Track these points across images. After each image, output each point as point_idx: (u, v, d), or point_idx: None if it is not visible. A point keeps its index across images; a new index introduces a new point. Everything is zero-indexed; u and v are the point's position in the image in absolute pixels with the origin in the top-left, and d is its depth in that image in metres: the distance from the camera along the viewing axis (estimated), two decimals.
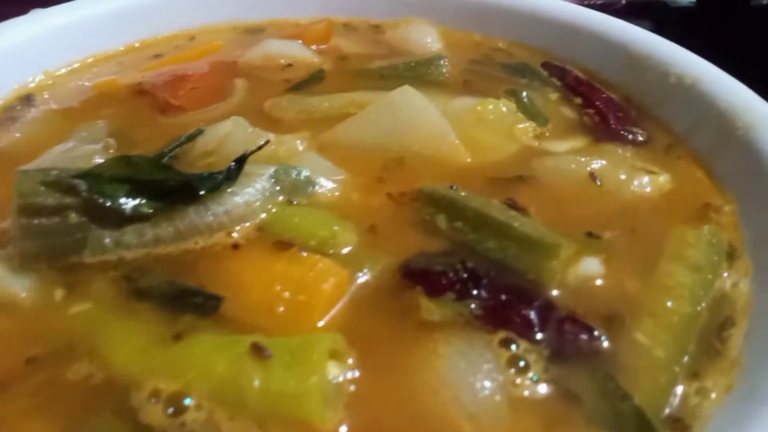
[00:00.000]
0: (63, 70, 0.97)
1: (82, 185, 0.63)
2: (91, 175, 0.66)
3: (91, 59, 1.00)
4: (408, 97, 0.82)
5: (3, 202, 0.71)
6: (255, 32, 1.12)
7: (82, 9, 1.01)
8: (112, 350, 0.56)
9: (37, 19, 0.96)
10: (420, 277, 0.62)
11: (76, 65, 0.98)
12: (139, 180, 0.67)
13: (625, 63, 0.94)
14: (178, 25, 1.08)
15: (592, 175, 0.76)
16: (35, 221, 0.61)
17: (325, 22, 1.09)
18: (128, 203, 0.65)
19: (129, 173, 0.67)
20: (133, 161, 0.67)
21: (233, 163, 0.70)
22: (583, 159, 0.79)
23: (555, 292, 0.61)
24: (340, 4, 1.14)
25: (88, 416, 0.52)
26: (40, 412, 0.52)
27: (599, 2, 2.05)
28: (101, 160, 0.77)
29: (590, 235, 0.69)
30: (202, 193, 0.66)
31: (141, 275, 0.63)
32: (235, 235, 0.67)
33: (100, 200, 0.64)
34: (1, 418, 0.52)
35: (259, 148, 0.71)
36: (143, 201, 0.66)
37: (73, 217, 0.63)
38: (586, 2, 2.04)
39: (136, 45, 1.05)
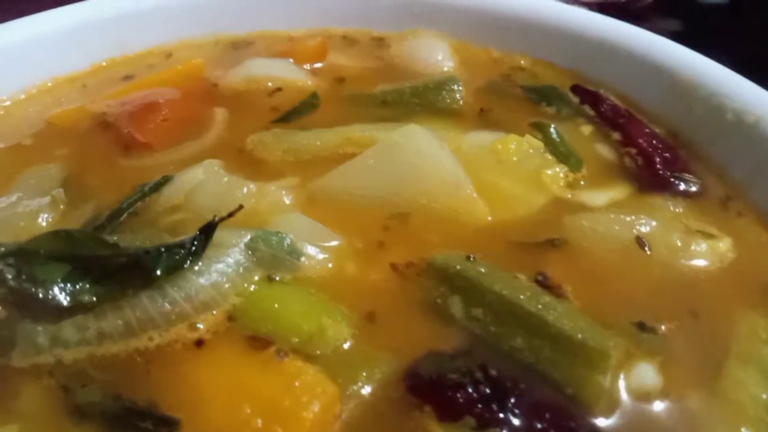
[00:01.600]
0: (18, 97, 0.84)
1: (8, 271, 0.51)
2: (22, 254, 0.53)
3: (50, 83, 0.87)
4: (414, 138, 0.68)
5: None
6: (241, 47, 0.98)
7: (41, 23, 0.87)
8: None
9: None
10: (429, 392, 0.49)
11: (33, 91, 0.85)
12: (80, 258, 0.54)
13: (670, 91, 0.79)
14: (154, 40, 0.94)
15: (640, 241, 0.63)
16: None
17: (320, 38, 0.95)
18: (67, 290, 0.52)
19: (68, 250, 0.54)
20: (72, 236, 0.54)
21: (198, 233, 0.57)
22: (628, 218, 0.65)
23: (601, 421, 0.48)
24: (339, 14, 1.00)
25: None
26: None
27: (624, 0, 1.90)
28: (47, 218, 0.66)
29: (642, 327, 0.55)
30: (158, 273, 0.54)
31: (80, 386, 0.50)
32: (200, 326, 0.54)
33: (32, 288, 0.51)
34: None
35: (231, 214, 0.57)
36: (85, 286, 0.53)
37: None
38: None
39: (104, 64, 0.91)
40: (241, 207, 0.58)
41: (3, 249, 0.53)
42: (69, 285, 0.52)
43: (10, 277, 0.50)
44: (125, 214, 0.66)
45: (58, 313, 0.52)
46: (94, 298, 0.52)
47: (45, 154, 0.75)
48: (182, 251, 0.55)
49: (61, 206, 0.67)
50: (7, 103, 0.83)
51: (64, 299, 0.51)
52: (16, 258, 0.53)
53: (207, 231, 0.57)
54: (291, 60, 0.91)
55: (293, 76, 0.88)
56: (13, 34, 0.85)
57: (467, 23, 0.95)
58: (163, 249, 0.54)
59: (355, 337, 0.53)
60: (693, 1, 1.91)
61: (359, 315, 0.55)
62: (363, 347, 0.53)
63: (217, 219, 0.57)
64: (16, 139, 0.77)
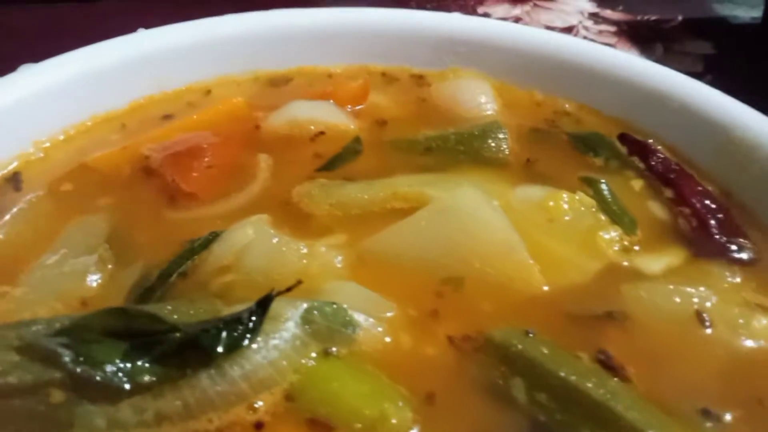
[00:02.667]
0: (58, 138, 0.83)
1: (65, 353, 0.50)
2: (76, 331, 0.52)
3: (90, 122, 0.85)
4: (467, 200, 0.67)
5: None
6: (280, 83, 0.97)
7: (79, 61, 0.85)
8: None
9: (26, 77, 0.82)
10: None
11: (72, 132, 0.84)
12: (137, 335, 0.53)
13: (724, 148, 0.78)
14: (192, 76, 0.93)
15: (700, 316, 0.61)
16: (11, 404, 0.48)
17: (361, 80, 0.93)
18: (125, 371, 0.51)
19: (125, 327, 0.53)
20: (128, 313, 0.54)
21: (255, 307, 0.56)
22: (687, 290, 0.63)
23: None
24: (379, 51, 0.98)
25: None
26: None
27: (653, 18, 1.87)
28: (96, 279, 0.65)
29: (707, 414, 0.54)
30: (219, 351, 0.52)
31: None
32: (258, 405, 0.53)
33: (91, 370, 0.50)
34: None
35: (289, 289, 0.56)
36: (144, 365, 0.52)
37: (56, 395, 0.49)
38: (639, 17, 1.87)
39: (142, 102, 0.90)
40: (299, 282, 0.57)
41: (57, 325, 0.53)
42: (127, 365, 0.51)
43: (67, 360, 0.49)
44: (175, 275, 0.65)
45: (115, 393, 0.51)
46: (154, 378, 0.51)
47: (87, 203, 0.74)
48: (240, 327, 0.54)
49: (109, 265, 0.66)
50: (47, 144, 0.81)
51: (122, 381, 0.50)
52: (70, 336, 0.52)
53: (264, 305, 0.56)
54: (332, 101, 0.90)
55: (335, 119, 0.87)
56: (52, 73, 0.84)
57: (511, 64, 0.93)
58: (221, 325, 0.53)
59: (416, 422, 0.53)
60: (724, 20, 1.89)
61: (419, 397, 0.54)
62: None
63: (275, 293, 0.56)
64: (59, 187, 0.76)
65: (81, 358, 0.50)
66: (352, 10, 1.01)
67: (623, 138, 0.85)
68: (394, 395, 0.54)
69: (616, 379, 0.55)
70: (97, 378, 0.50)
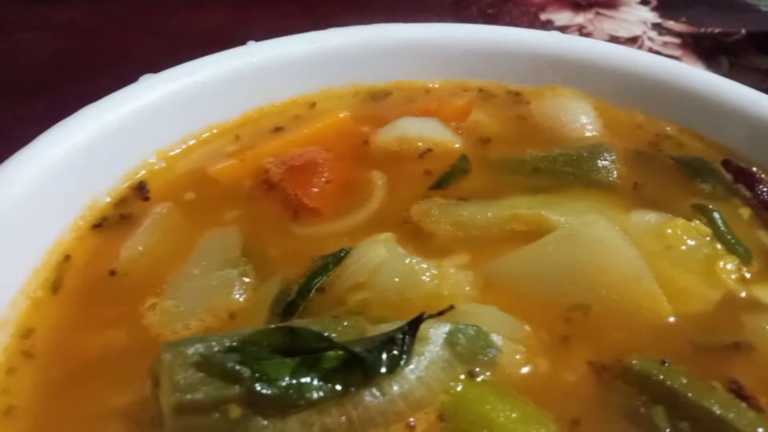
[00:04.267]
0: (177, 150, 0.86)
1: (245, 372, 0.53)
2: (248, 348, 0.55)
3: (207, 134, 0.89)
4: (596, 228, 0.69)
5: (123, 352, 0.62)
6: (379, 98, 0.99)
7: (194, 73, 0.88)
8: None
9: (147, 88, 0.85)
10: None
11: (191, 142, 0.87)
12: (303, 353, 0.56)
13: None
14: (298, 89, 0.95)
15: None
16: (192, 421, 0.51)
17: (466, 98, 0.95)
18: (295, 387, 0.54)
19: (292, 345, 0.56)
20: (296, 332, 0.56)
21: (406, 326, 0.58)
22: None
23: None
24: (475, 67, 1.00)
25: None
26: None
27: (716, 31, 1.86)
28: (240, 292, 0.67)
29: None
30: (383, 371, 0.55)
31: None
32: (413, 424, 0.56)
33: (263, 388, 0.53)
34: None
35: (441, 313, 0.59)
36: (312, 382, 0.55)
37: (234, 410, 0.52)
38: (702, 30, 1.86)
39: (253, 114, 0.92)
40: (451, 307, 0.59)
41: (227, 342, 0.55)
42: (295, 381, 0.54)
43: (246, 376, 0.52)
44: (313, 290, 0.68)
45: (285, 409, 0.54)
46: (321, 394, 0.54)
47: (215, 216, 0.77)
48: (395, 347, 0.57)
49: (248, 279, 0.69)
50: (170, 154, 0.85)
51: (293, 397, 0.53)
52: (241, 353, 0.55)
53: (414, 326, 0.58)
54: (436, 119, 0.92)
55: (442, 137, 0.89)
56: (171, 84, 0.86)
57: (612, 84, 0.95)
58: (380, 345, 0.56)
59: None
60: None
61: (565, 422, 0.56)
62: None
63: (426, 315, 0.58)
64: (185, 197, 0.79)
65: (257, 375, 0.53)
66: (449, 26, 1.03)
67: (727, 165, 0.86)
68: (544, 420, 0.56)
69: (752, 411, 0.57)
70: (272, 394, 0.53)
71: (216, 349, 0.54)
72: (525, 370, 0.61)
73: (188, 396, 0.51)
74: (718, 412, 0.55)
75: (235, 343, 0.55)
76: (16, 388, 0.60)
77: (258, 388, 0.52)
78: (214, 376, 0.52)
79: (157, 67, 0.88)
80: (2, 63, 1.47)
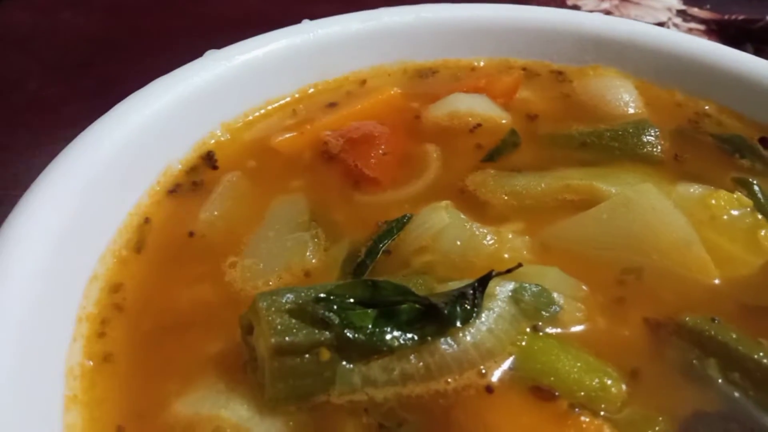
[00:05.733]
0: (240, 123, 0.90)
1: (334, 318, 0.57)
2: (334, 298, 0.59)
3: (265, 109, 0.93)
4: (648, 196, 0.73)
5: (210, 305, 0.66)
6: (427, 75, 1.03)
7: (255, 49, 0.92)
8: None
9: (212, 62, 0.89)
10: None
11: (253, 116, 0.91)
12: (384, 304, 0.60)
13: None
14: (350, 66, 0.99)
15: None
16: (289, 362, 0.56)
17: (515, 75, 0.99)
18: (377, 335, 0.58)
19: (374, 297, 0.61)
20: (378, 285, 0.61)
21: (476, 283, 0.62)
22: None
23: None
24: (521, 46, 1.03)
25: None
26: None
27: (740, 18, 1.88)
28: (313, 253, 0.72)
29: None
30: (458, 323, 0.59)
31: (396, 425, 0.57)
32: (485, 372, 0.60)
33: (351, 334, 0.58)
34: None
35: (509, 270, 0.63)
36: (393, 331, 0.59)
37: (325, 353, 0.57)
38: (726, 16, 1.88)
39: (308, 89, 0.96)
40: (520, 265, 0.63)
41: (313, 293, 0.60)
42: (377, 329, 0.58)
43: (336, 323, 0.57)
44: (380, 253, 0.72)
45: (368, 354, 0.58)
46: (401, 342, 0.59)
47: (281, 184, 0.81)
48: (467, 302, 0.61)
49: (321, 242, 0.73)
50: (235, 126, 0.89)
51: (376, 343, 0.58)
52: (328, 303, 0.59)
53: (484, 282, 0.62)
54: (485, 95, 0.95)
55: (491, 112, 0.93)
56: (233, 59, 0.90)
57: (653, 64, 0.98)
58: (453, 299, 0.60)
59: (627, 396, 0.59)
60: None
61: (625, 373, 0.61)
62: (636, 406, 0.59)
63: (494, 273, 0.63)
64: (251, 166, 0.83)
65: (345, 322, 0.57)
66: (494, 6, 1.06)
67: (765, 142, 0.90)
68: (606, 369, 0.60)
69: None
70: (359, 339, 0.57)
71: (305, 298, 0.59)
72: (585, 326, 0.65)
73: (287, 338, 0.55)
74: (766, 362, 0.60)
75: (322, 294, 0.60)
76: (111, 337, 0.65)
77: (347, 333, 0.57)
78: (306, 322, 0.57)
79: (197, 50, 0.91)
80: (47, 41, 1.51)
